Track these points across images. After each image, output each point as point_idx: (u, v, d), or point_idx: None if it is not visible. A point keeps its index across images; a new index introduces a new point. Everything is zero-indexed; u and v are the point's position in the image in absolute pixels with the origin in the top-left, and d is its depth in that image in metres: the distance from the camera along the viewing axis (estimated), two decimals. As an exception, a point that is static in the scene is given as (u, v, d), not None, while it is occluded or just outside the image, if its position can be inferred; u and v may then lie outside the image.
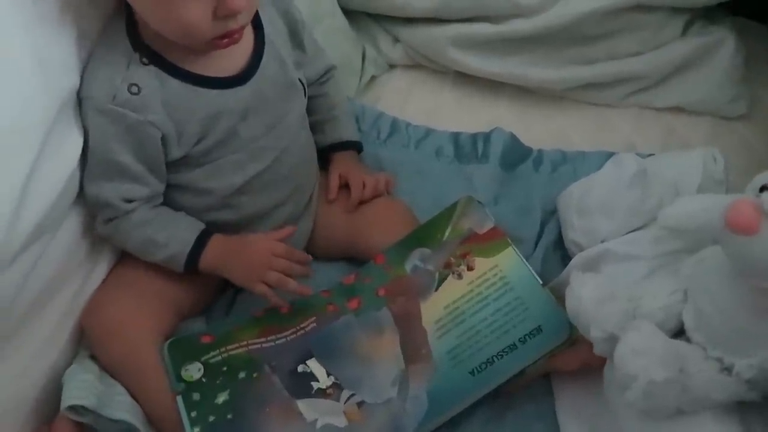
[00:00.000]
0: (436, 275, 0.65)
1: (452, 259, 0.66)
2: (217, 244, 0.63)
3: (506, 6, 0.87)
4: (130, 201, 0.61)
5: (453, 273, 0.65)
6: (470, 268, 0.65)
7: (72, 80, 0.56)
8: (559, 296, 0.59)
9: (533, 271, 0.63)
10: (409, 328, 0.63)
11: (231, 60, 0.61)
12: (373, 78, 0.96)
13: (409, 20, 0.93)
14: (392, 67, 0.98)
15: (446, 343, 0.61)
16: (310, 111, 0.72)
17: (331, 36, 0.88)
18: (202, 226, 0.64)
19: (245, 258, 0.62)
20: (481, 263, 0.65)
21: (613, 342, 0.51)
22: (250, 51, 0.63)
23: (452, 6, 0.89)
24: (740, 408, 0.51)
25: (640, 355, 0.49)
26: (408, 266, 0.67)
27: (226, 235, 0.64)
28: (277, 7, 0.67)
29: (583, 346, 0.55)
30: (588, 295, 0.54)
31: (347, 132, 0.78)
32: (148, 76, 0.58)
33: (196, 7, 0.53)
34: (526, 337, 0.60)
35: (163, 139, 0.59)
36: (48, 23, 0.54)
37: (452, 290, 0.64)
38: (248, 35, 0.63)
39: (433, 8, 0.90)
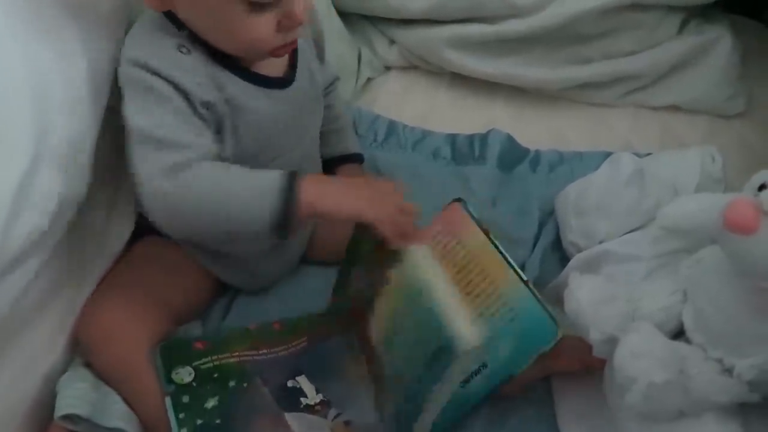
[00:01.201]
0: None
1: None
2: (312, 177, 0.54)
3: (501, 6, 0.87)
4: (207, 157, 0.53)
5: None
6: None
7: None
8: (558, 298, 0.59)
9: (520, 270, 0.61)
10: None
11: (270, 66, 0.60)
12: (369, 80, 0.96)
13: (405, 22, 0.93)
14: (388, 68, 0.98)
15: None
16: None
17: (327, 38, 0.88)
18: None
19: (356, 187, 0.55)
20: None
21: (613, 344, 0.51)
22: (287, 61, 0.63)
23: (447, 7, 0.89)
24: (742, 410, 0.51)
25: (640, 357, 0.48)
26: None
27: None
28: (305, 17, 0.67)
29: (583, 348, 0.55)
30: (587, 296, 0.53)
31: (353, 144, 0.78)
32: (198, 50, 0.56)
33: (262, 23, 0.53)
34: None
35: (209, 105, 0.55)
36: (44, 30, 0.53)
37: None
38: None
39: (428, 9, 0.90)
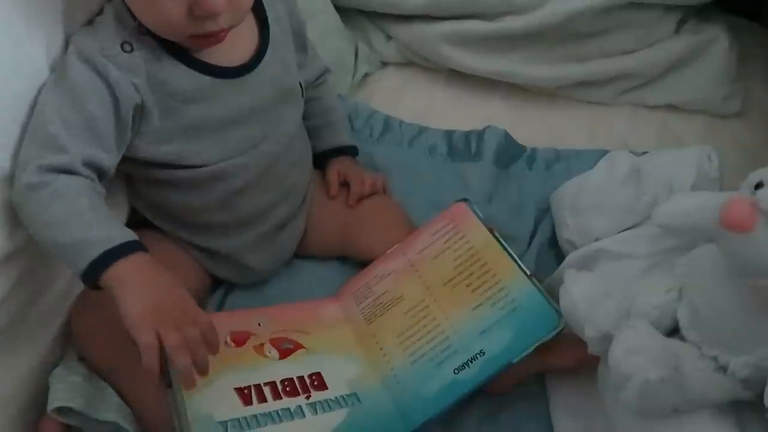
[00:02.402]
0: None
1: None
2: (144, 262, 0.50)
3: (499, 3, 0.87)
4: (88, 165, 0.52)
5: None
6: None
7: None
8: (553, 295, 0.59)
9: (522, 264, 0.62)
10: None
11: (229, 54, 0.60)
12: (366, 75, 0.96)
13: (402, 17, 0.93)
14: (385, 64, 0.98)
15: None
16: (305, 115, 0.71)
17: (324, 33, 0.88)
18: (135, 236, 0.52)
19: (162, 297, 0.49)
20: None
21: (608, 341, 0.51)
22: (254, 48, 0.62)
23: (445, 3, 0.89)
24: (736, 408, 0.51)
25: (635, 354, 0.48)
26: None
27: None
28: (285, 5, 0.66)
29: (577, 344, 0.55)
30: (582, 293, 0.53)
31: (345, 137, 0.77)
32: (144, 44, 0.56)
33: (170, 7, 0.52)
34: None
35: (139, 108, 0.55)
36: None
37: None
38: (251, 32, 0.62)
39: (426, 5, 0.89)
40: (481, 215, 0.66)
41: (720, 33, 0.88)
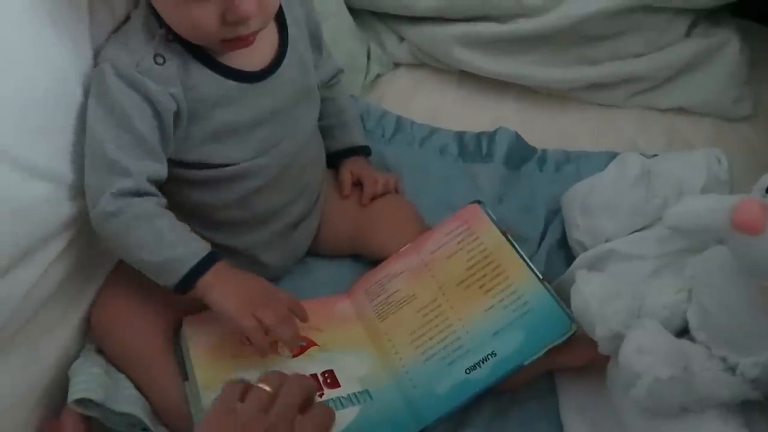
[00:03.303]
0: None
1: None
2: (223, 267, 0.57)
3: (511, 6, 0.87)
4: (151, 180, 0.57)
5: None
6: None
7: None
8: (563, 295, 0.59)
9: (534, 267, 0.63)
10: None
11: (252, 58, 0.61)
12: (377, 76, 0.97)
13: (415, 19, 0.93)
14: (397, 65, 0.98)
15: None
16: (319, 115, 0.72)
17: (337, 34, 0.88)
18: (209, 245, 0.59)
19: (247, 289, 0.57)
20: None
21: (618, 340, 0.52)
22: (274, 51, 0.63)
23: (457, 5, 0.89)
24: (744, 407, 0.51)
25: (645, 353, 0.49)
26: None
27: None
28: (304, 8, 0.67)
29: (587, 344, 0.55)
30: (593, 293, 0.54)
31: (358, 137, 0.78)
32: (173, 51, 0.57)
33: (204, 11, 0.53)
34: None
35: (176, 114, 0.57)
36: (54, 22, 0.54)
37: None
38: (272, 35, 0.63)
39: (438, 7, 0.90)
40: (494, 217, 0.67)
41: (731, 36, 0.88)
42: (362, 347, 0.64)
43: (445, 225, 0.69)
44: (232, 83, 0.59)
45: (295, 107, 0.65)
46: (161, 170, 0.58)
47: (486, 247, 0.65)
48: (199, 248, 0.57)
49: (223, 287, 0.56)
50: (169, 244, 0.56)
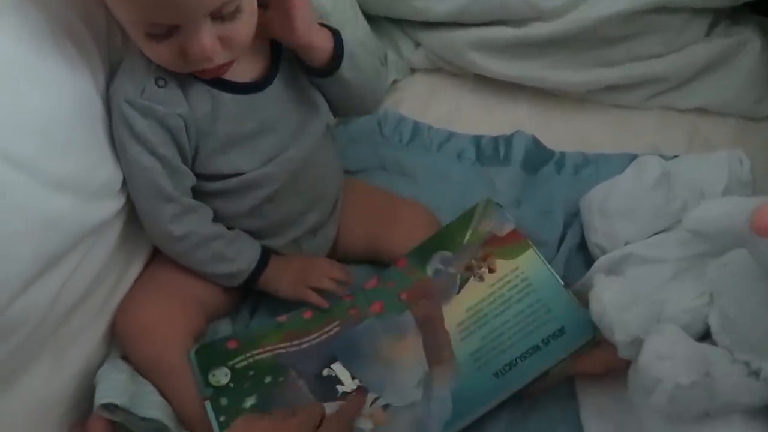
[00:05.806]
0: (458, 278, 0.66)
1: (473, 261, 0.66)
2: (273, 261, 0.67)
3: (526, 10, 0.87)
4: (187, 194, 0.62)
5: (474, 275, 0.65)
6: (491, 270, 0.65)
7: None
8: (583, 299, 0.59)
9: (555, 273, 0.64)
10: (431, 330, 0.64)
11: (244, 69, 0.61)
12: (394, 82, 0.97)
13: (430, 25, 0.93)
14: (413, 71, 0.99)
15: (469, 346, 0.62)
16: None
17: (354, 41, 0.89)
18: (258, 244, 0.67)
19: (293, 269, 0.67)
20: (502, 265, 0.65)
21: (638, 345, 0.51)
22: (269, 60, 0.63)
23: (472, 10, 0.89)
24: (767, 412, 0.51)
25: (665, 359, 0.48)
26: (429, 269, 0.67)
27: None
28: None
29: (607, 349, 0.55)
30: (612, 298, 0.53)
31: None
32: (170, 72, 0.58)
33: (165, 48, 0.54)
34: (549, 338, 0.60)
35: (186, 132, 0.59)
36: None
37: (474, 292, 0.64)
38: (265, 45, 0.63)
39: (453, 12, 0.90)
40: (511, 218, 0.67)
41: (752, 36, 0.87)
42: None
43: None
44: (227, 96, 0.60)
45: (298, 114, 0.65)
46: (191, 181, 0.62)
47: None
48: (252, 256, 0.66)
49: (276, 277, 0.67)
50: (229, 261, 0.64)
